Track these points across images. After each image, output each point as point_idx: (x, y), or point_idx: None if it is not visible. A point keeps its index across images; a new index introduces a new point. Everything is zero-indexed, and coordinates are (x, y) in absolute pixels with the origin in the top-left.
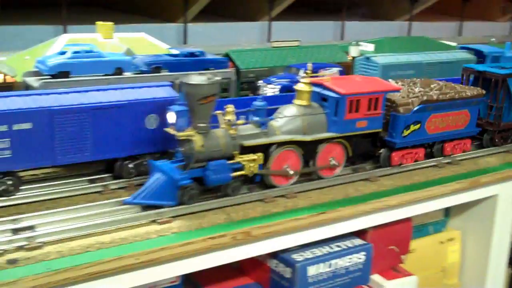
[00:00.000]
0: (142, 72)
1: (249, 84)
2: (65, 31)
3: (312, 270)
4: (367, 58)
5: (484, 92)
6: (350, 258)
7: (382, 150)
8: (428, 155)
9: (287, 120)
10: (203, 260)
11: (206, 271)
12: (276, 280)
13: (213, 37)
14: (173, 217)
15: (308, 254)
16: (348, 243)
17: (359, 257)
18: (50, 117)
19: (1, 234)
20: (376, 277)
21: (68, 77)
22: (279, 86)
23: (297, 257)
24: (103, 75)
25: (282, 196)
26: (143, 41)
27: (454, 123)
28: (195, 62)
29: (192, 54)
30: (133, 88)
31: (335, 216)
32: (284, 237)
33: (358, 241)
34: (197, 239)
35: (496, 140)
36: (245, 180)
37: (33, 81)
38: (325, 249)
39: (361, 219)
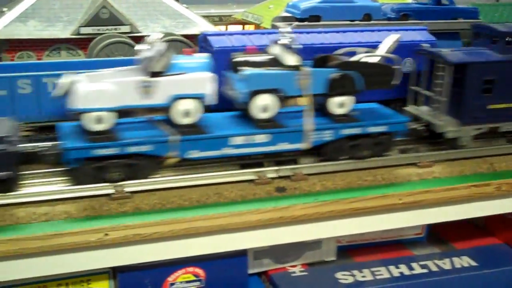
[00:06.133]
0: (390, 19)
1: None
2: None
3: None
4: None
5: None
6: None
7: None
8: None
9: None
10: (463, 209)
11: (451, 228)
12: None
13: None
14: (433, 161)
15: None
16: None
17: None
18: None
19: (268, 165)
20: None
21: (318, 22)
22: None
23: None
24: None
25: None
26: None
27: None
28: (444, 10)
29: (440, 3)
30: (389, 30)
31: None
32: None
33: None
34: (460, 186)
35: None
36: None
37: (283, 26)
38: None
39: None
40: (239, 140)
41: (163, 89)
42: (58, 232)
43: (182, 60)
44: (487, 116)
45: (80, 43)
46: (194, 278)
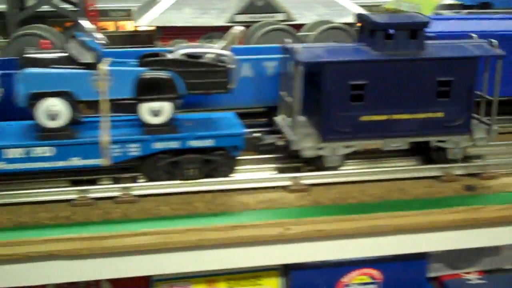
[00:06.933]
0: None
1: None
2: None
3: None
4: None
5: None
6: None
7: None
8: None
9: None
10: None
11: None
12: None
13: None
14: None
15: None
16: None
17: None
18: None
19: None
20: None
21: (489, 9)
22: None
23: None
24: None
25: None
26: None
27: None
28: None
29: None
30: None
31: None
32: None
33: None
34: None
35: None
36: None
37: (450, 14)
38: None
39: None
40: (13, 153)
41: None
42: (239, 224)
43: None
44: (360, 130)
45: None
46: (370, 280)
